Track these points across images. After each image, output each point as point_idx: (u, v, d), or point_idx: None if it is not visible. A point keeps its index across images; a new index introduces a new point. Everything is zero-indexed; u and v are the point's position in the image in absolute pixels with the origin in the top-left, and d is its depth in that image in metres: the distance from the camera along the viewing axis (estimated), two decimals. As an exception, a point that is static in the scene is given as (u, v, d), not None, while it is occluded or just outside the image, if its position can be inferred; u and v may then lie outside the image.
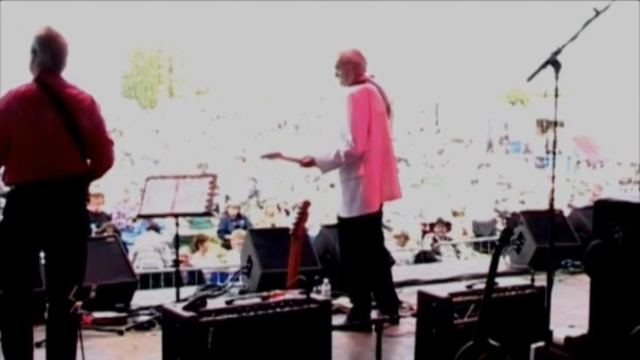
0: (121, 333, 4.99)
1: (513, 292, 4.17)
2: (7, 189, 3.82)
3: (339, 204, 5.16)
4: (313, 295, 3.94)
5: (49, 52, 3.80)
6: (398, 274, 5.88)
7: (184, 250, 9.82)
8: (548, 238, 3.53)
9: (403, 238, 10.77)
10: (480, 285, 3.92)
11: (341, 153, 4.95)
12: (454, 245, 11.00)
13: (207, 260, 10.07)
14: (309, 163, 5.19)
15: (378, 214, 5.15)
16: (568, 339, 3.71)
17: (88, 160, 3.89)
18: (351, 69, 5.08)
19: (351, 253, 5.18)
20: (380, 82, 5.19)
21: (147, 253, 9.32)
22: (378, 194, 5.05)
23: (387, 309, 5.14)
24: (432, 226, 12.04)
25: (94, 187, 4.10)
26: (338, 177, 5.15)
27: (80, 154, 3.82)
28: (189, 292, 6.04)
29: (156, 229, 10.47)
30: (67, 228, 3.79)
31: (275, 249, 5.86)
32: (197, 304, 3.58)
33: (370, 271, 5.15)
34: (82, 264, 3.88)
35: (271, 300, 3.76)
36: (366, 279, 5.16)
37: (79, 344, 3.79)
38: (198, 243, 10.36)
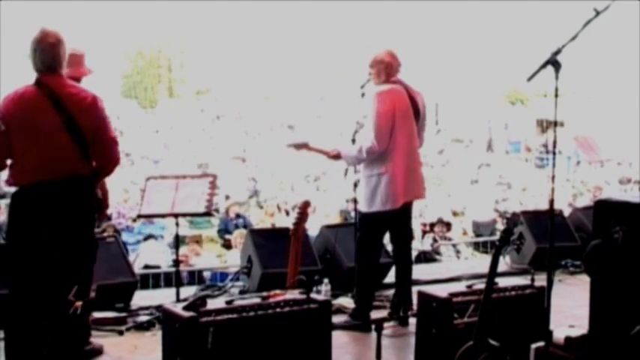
0: (121, 333, 4.99)
1: (513, 292, 4.17)
2: (7, 189, 3.83)
3: (361, 199, 5.23)
4: (313, 295, 3.94)
5: (37, 52, 3.82)
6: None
7: (184, 250, 9.82)
8: (548, 238, 3.53)
9: (410, 237, 10.75)
10: (480, 285, 3.92)
11: (363, 149, 5.02)
12: (454, 245, 10.98)
13: (207, 260, 10.06)
14: (337, 156, 5.25)
15: (399, 212, 5.12)
16: (568, 339, 3.71)
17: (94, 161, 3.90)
18: (383, 69, 5.15)
19: (363, 249, 5.21)
20: (411, 84, 5.23)
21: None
22: (401, 192, 5.06)
23: (397, 308, 5.16)
24: (432, 226, 12.01)
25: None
26: (362, 172, 5.21)
27: (82, 154, 3.81)
28: (189, 292, 6.04)
29: (153, 237, 10.47)
30: (68, 228, 3.79)
31: (275, 249, 5.87)
32: (197, 304, 3.58)
33: (376, 269, 5.18)
34: (82, 264, 3.88)
35: (271, 300, 3.76)
36: (372, 277, 5.20)
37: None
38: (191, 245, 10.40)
